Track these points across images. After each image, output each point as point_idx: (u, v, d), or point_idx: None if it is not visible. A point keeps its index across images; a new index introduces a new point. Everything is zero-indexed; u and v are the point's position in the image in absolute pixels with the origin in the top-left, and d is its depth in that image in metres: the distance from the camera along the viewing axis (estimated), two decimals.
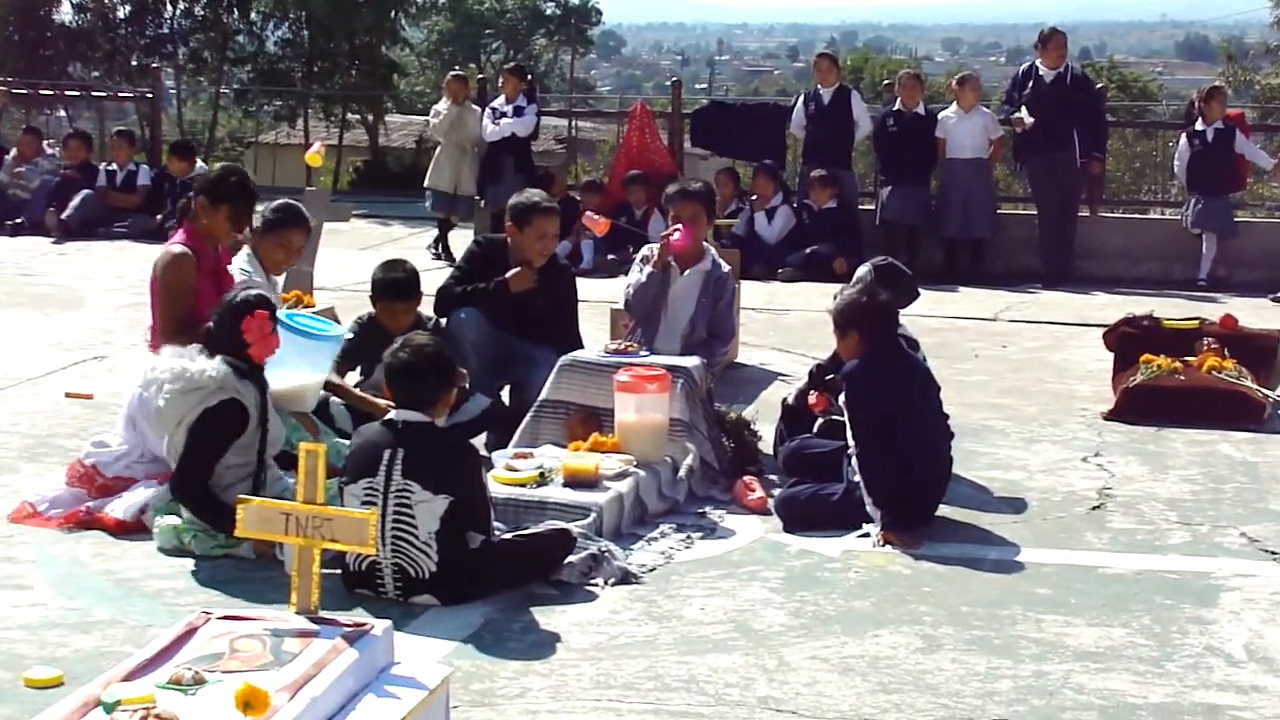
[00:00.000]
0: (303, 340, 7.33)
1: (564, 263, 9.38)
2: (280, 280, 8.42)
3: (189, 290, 7.63)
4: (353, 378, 8.40)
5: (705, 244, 9.50)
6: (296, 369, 7.26)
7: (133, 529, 7.08)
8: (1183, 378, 9.79)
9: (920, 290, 8.96)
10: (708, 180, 9.80)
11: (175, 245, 7.76)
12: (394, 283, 8.36)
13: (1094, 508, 7.84)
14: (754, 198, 16.44)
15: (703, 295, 9.24)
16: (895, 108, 16.37)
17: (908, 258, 14.79)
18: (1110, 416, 9.68)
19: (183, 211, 7.96)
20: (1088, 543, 7.29)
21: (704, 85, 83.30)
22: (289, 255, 8.25)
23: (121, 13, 33.09)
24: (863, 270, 8.51)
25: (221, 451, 6.76)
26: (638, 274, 9.36)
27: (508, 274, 8.75)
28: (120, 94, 27.54)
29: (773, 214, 16.13)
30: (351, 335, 8.37)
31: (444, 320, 8.73)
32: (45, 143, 20.07)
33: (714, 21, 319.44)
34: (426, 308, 8.63)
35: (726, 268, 9.48)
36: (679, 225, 9.18)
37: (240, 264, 8.06)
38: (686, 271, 9.26)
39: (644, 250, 9.54)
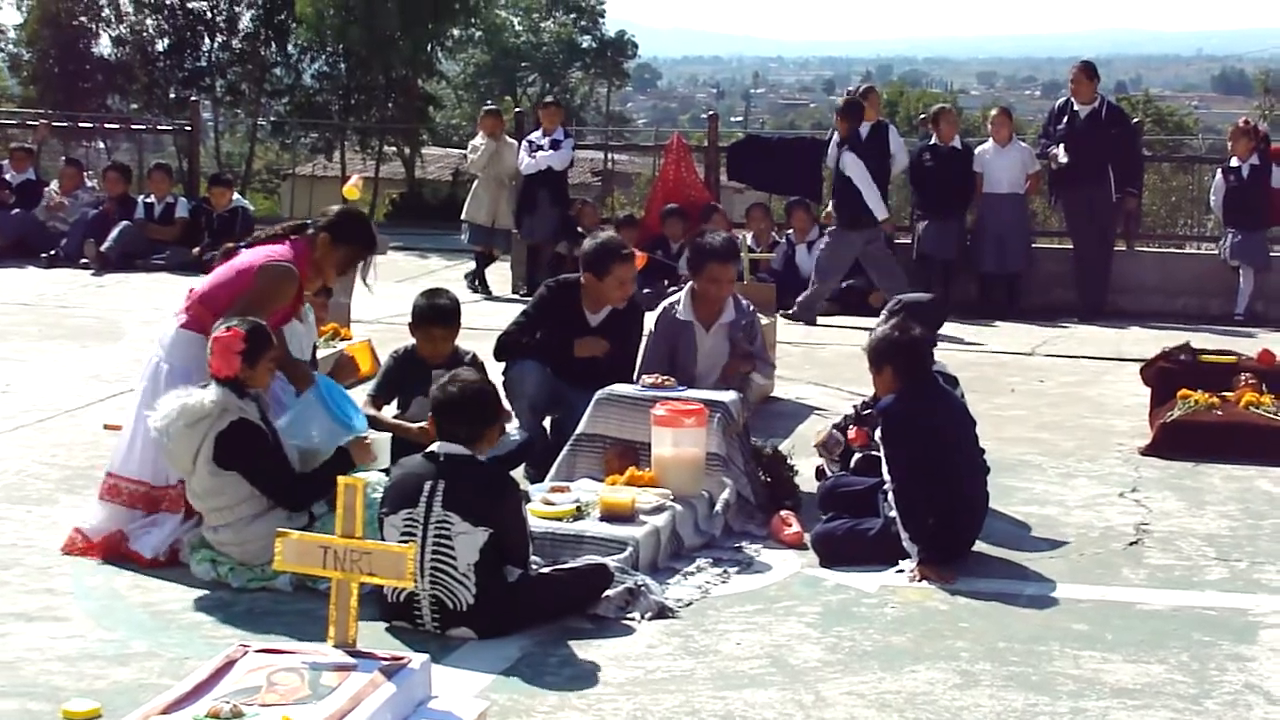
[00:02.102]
0: (331, 422, 7.25)
1: (637, 301, 9.27)
2: (310, 317, 8.39)
3: (277, 305, 7.45)
4: (390, 410, 8.41)
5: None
6: (310, 439, 7.19)
7: (165, 565, 7.12)
8: (1220, 413, 9.76)
9: (944, 316, 8.91)
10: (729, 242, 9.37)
11: (289, 261, 7.45)
12: (437, 308, 8.36)
13: (1131, 543, 7.81)
14: (790, 231, 16.46)
15: (733, 346, 9.04)
16: (932, 142, 16.37)
17: (943, 292, 14.81)
18: (1147, 452, 9.64)
19: (246, 243, 7.76)
20: (1125, 578, 7.26)
21: (739, 118, 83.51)
22: None
23: (160, 46, 33.33)
24: (883, 315, 8.52)
25: (275, 455, 6.82)
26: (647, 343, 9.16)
27: (579, 341, 8.80)
28: (159, 127, 27.71)
29: (811, 248, 16.14)
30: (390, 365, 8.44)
31: (501, 364, 8.81)
32: (85, 174, 20.22)
33: (749, 55, 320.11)
34: (464, 341, 8.62)
35: (750, 307, 9.25)
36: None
37: None
38: (712, 328, 9.07)
39: (667, 303, 9.30)
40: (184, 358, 7.31)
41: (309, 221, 7.72)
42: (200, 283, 7.60)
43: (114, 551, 7.18)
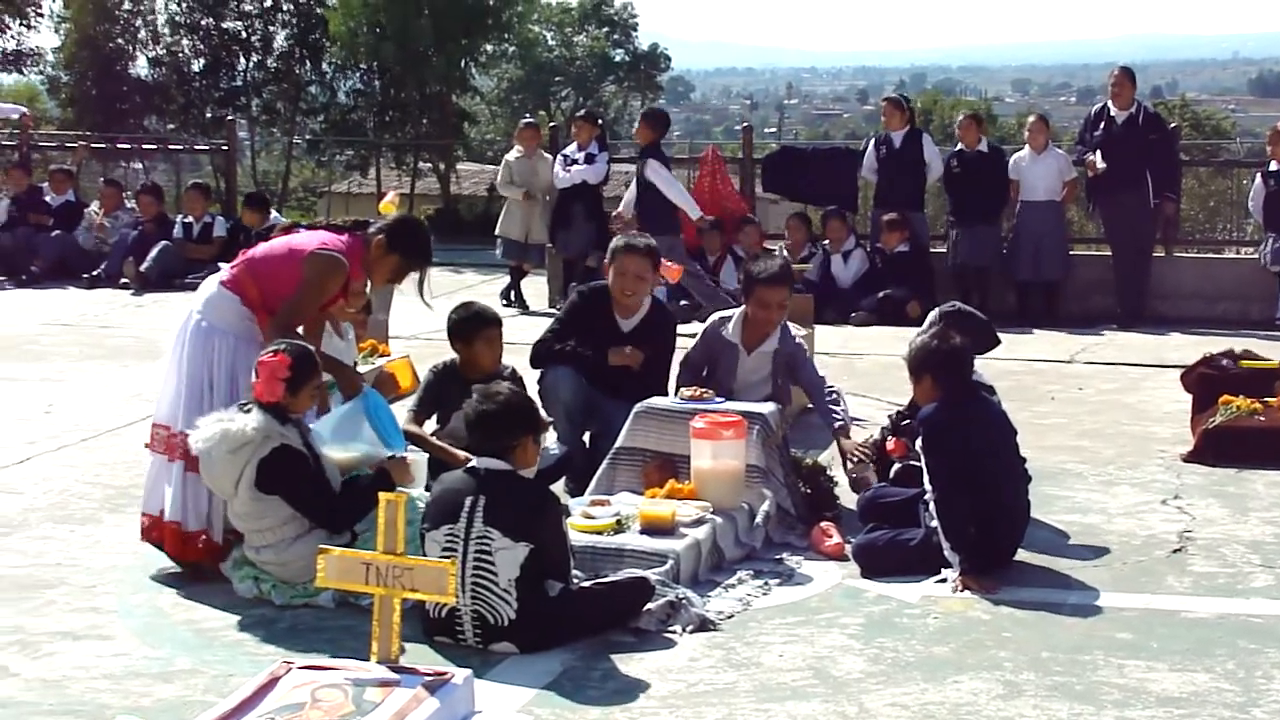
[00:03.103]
0: (374, 436, 7.26)
1: (669, 310, 9.25)
2: (351, 334, 8.39)
3: (324, 297, 7.39)
4: (429, 425, 8.43)
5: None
6: (350, 449, 7.21)
7: (199, 556, 7.15)
8: (1263, 419, 9.70)
9: (999, 336, 8.92)
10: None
11: (340, 253, 7.32)
12: (480, 314, 8.34)
13: (1174, 551, 7.77)
14: (827, 242, 16.45)
15: (776, 375, 8.99)
16: (957, 148, 16.37)
17: (980, 300, 14.77)
18: (1189, 458, 9.59)
19: (308, 225, 7.74)
20: (1169, 586, 7.22)
21: (774, 130, 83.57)
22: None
23: (196, 66, 33.55)
24: (932, 316, 8.50)
25: (317, 480, 6.82)
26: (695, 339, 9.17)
27: (612, 350, 8.80)
28: (196, 147, 27.86)
29: (847, 258, 16.14)
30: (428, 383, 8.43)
31: (536, 372, 8.80)
32: (124, 195, 20.35)
33: (782, 65, 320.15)
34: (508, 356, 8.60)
35: (798, 340, 9.08)
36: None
37: None
38: (753, 352, 8.99)
39: (719, 315, 9.24)
40: (217, 316, 7.28)
41: (370, 220, 7.71)
42: (256, 250, 7.55)
43: (184, 547, 7.19)
